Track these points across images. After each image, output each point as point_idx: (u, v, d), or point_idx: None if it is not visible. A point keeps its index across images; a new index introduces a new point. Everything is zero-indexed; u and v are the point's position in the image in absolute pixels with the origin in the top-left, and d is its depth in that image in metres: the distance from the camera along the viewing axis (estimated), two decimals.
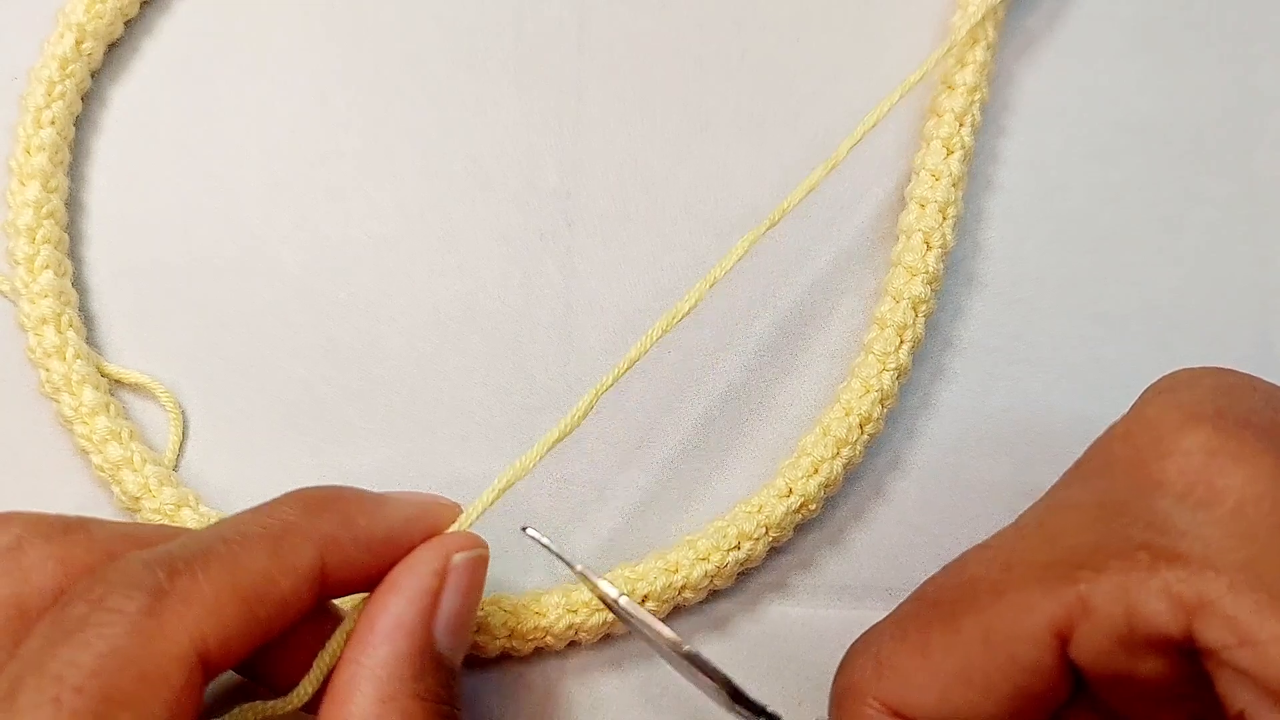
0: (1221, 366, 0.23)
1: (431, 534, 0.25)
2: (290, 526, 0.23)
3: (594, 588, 0.26)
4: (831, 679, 0.24)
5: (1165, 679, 0.20)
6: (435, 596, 0.23)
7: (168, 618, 0.20)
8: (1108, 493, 0.21)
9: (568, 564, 0.26)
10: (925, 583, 0.23)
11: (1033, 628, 0.20)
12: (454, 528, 0.25)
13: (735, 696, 0.24)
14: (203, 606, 0.21)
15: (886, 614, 0.23)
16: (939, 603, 0.22)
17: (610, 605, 0.26)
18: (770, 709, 0.23)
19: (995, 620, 0.20)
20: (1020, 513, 0.23)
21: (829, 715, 0.23)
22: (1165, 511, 0.20)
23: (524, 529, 0.26)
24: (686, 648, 0.24)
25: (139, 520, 0.29)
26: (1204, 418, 0.20)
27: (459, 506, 0.26)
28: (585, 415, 0.26)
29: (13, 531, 0.23)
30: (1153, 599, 0.19)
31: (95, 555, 0.23)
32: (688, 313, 0.27)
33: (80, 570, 0.22)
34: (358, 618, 0.24)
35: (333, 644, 0.24)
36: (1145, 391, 0.24)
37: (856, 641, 0.23)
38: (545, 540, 0.26)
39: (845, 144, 0.30)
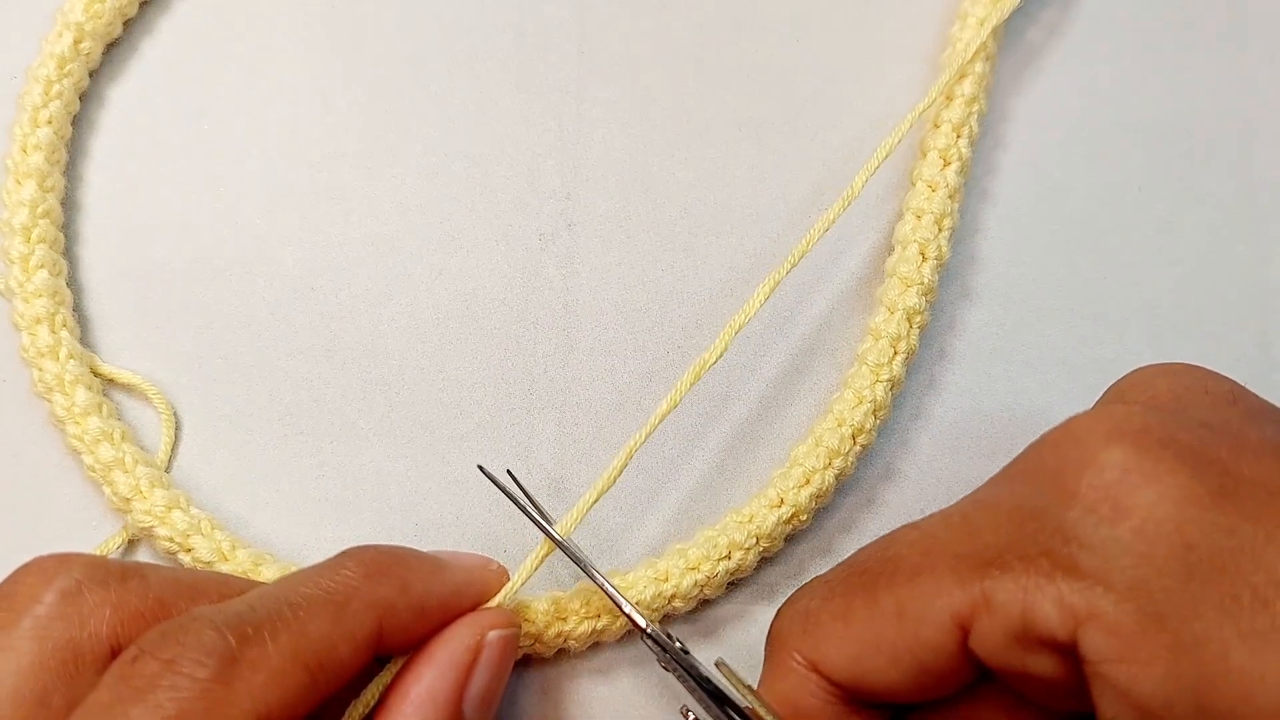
0: (1186, 365, 0.24)
1: (480, 600, 0.26)
2: (353, 592, 0.23)
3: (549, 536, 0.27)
4: None
5: (1056, 676, 0.21)
6: (468, 671, 0.25)
7: (237, 686, 0.21)
8: (1028, 497, 0.21)
9: (512, 499, 0.27)
10: (858, 550, 0.24)
11: (939, 613, 0.21)
12: (495, 601, 0.26)
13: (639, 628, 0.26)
14: (269, 675, 0.21)
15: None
16: (865, 572, 0.23)
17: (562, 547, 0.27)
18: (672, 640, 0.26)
19: (908, 599, 0.22)
20: None
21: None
22: (1073, 523, 0.20)
23: (479, 466, 0.27)
24: (599, 579, 0.26)
25: (131, 522, 0.29)
26: (1127, 434, 0.21)
27: (506, 572, 0.27)
28: (621, 471, 0.27)
29: (72, 575, 0.23)
30: (1046, 604, 0.20)
31: (148, 603, 0.23)
32: (714, 362, 0.28)
33: (133, 617, 0.23)
34: (391, 680, 0.24)
35: (366, 695, 0.24)
36: (1106, 390, 0.24)
37: (794, 593, 0.25)
38: (496, 477, 0.27)
39: (860, 177, 0.30)
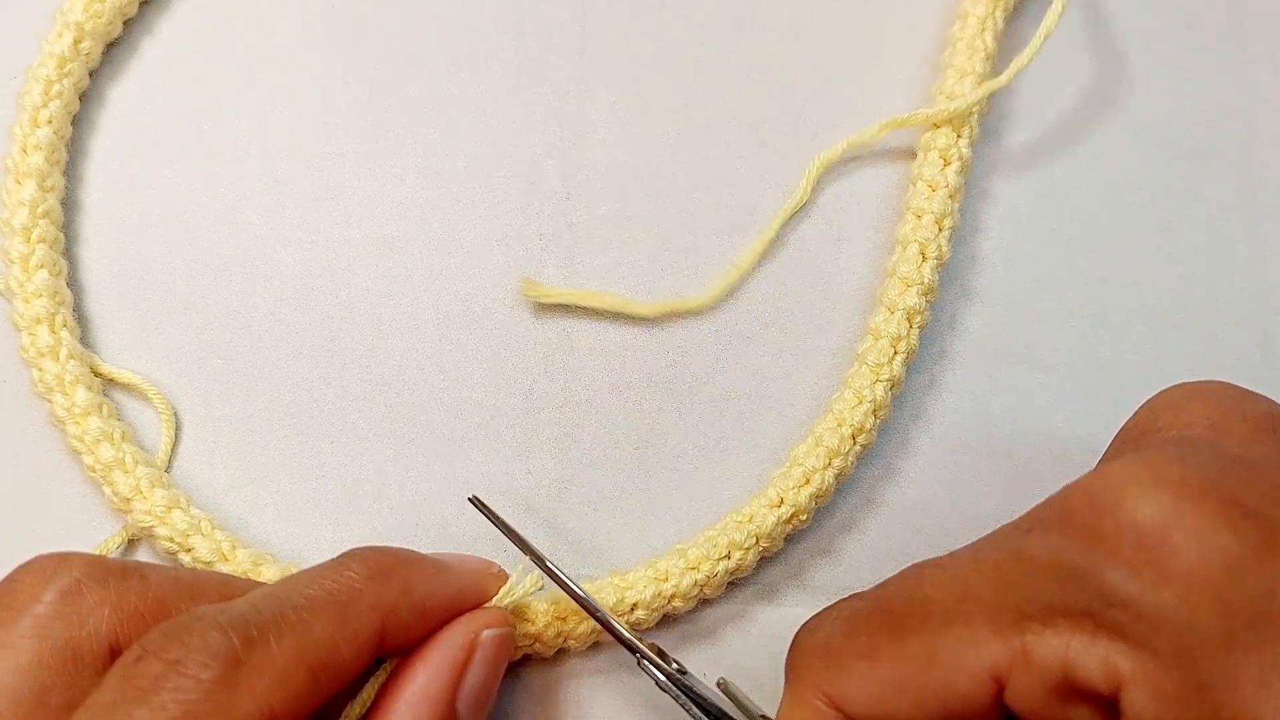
0: (1222, 386, 0.24)
1: (479, 603, 0.26)
2: (357, 594, 0.23)
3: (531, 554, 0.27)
4: None
5: None
6: (461, 670, 0.25)
7: (241, 688, 0.21)
8: (1065, 551, 0.21)
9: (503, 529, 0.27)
10: (882, 585, 0.24)
11: (974, 663, 0.21)
12: (493, 602, 0.26)
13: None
14: (273, 677, 0.21)
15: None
16: (892, 612, 0.23)
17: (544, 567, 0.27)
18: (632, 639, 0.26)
19: (940, 646, 0.22)
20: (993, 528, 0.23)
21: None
22: (1116, 584, 0.20)
23: (472, 499, 0.27)
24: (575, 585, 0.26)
25: (131, 522, 0.29)
26: (1166, 485, 0.21)
27: (507, 576, 0.27)
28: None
29: (72, 574, 0.23)
30: (1090, 662, 0.20)
31: (148, 603, 0.23)
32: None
33: (132, 616, 0.23)
34: (385, 678, 0.24)
35: (364, 694, 0.24)
36: (1137, 412, 0.24)
37: (812, 621, 0.24)
38: (489, 508, 0.27)
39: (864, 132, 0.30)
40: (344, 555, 0.25)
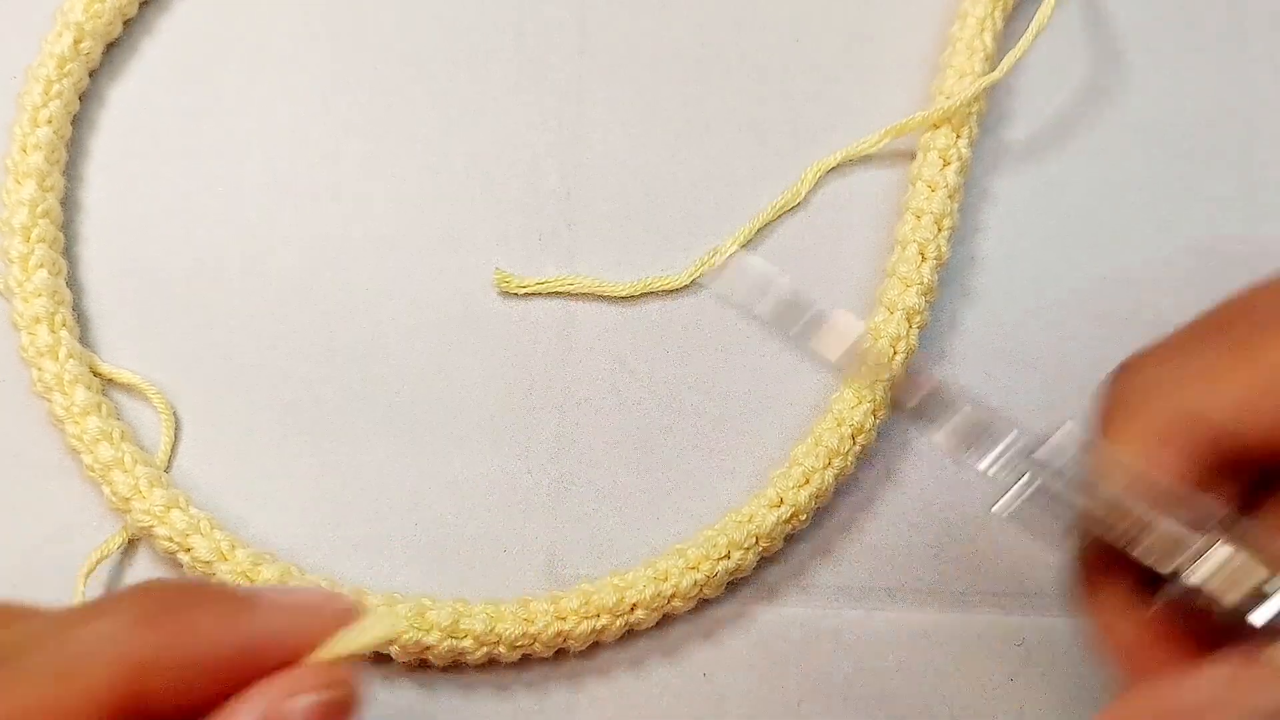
0: None
1: (306, 650, 0.20)
2: (92, 649, 0.19)
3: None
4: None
5: None
6: None
7: None
8: None
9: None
10: (1198, 317, 0.23)
11: None
12: (325, 652, 0.20)
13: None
14: None
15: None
16: (1223, 328, 0.22)
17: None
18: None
19: None
20: None
21: (1096, 427, 0.22)
22: None
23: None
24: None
25: (130, 522, 0.29)
26: None
27: (355, 612, 0.20)
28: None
29: None
30: None
31: None
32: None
33: None
34: None
35: None
36: (1229, 298, 0.23)
37: (1124, 366, 0.23)
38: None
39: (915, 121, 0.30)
40: (121, 590, 0.21)
